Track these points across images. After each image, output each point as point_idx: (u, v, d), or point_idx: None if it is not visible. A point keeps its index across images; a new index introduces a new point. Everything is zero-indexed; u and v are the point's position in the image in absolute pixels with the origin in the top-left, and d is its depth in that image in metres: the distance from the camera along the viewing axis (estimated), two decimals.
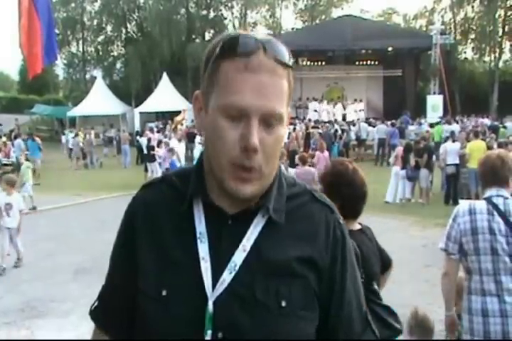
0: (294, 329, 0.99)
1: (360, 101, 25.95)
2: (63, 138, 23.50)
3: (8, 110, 34.33)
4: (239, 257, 0.99)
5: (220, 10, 37.68)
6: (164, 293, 1.00)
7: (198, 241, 1.01)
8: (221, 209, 1.02)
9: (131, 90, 32.62)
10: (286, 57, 0.97)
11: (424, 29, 36.40)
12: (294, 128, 19.80)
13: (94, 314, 1.16)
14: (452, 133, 13.17)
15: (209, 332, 0.96)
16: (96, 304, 1.17)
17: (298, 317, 0.99)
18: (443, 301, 3.30)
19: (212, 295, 0.97)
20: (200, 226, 1.03)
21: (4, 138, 20.54)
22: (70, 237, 7.25)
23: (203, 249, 1.01)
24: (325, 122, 21.95)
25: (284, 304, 0.98)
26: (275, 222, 1.03)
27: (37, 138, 18.37)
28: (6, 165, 17.38)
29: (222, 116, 0.96)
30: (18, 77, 47.00)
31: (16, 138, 18.49)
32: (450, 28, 34.49)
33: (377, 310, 1.88)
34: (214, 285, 0.98)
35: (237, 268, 0.99)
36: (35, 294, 6.20)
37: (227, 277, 0.98)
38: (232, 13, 38.64)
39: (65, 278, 6.79)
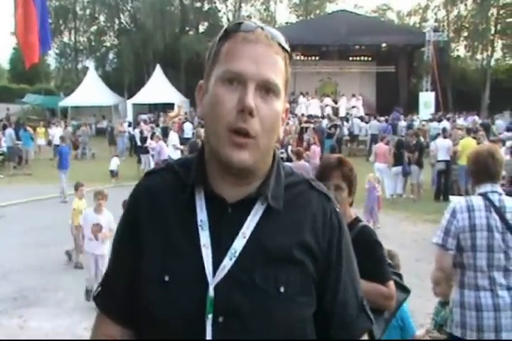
0: (292, 314, 1.02)
1: (353, 96, 25.93)
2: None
3: None
4: (239, 244, 1.02)
5: (215, 2, 37.42)
6: (167, 278, 1.03)
7: (200, 228, 1.04)
8: (221, 197, 1.05)
9: (124, 81, 32.43)
10: (282, 40, 1.04)
11: (418, 26, 36.46)
12: (287, 123, 19.80)
13: (98, 299, 1.18)
14: (444, 129, 13.26)
15: (210, 316, 0.99)
16: (99, 289, 1.18)
17: (296, 302, 1.03)
18: (432, 294, 3.36)
19: (213, 281, 1.00)
20: (202, 214, 1.05)
21: None
22: (63, 227, 7.24)
23: (204, 236, 1.04)
24: (318, 117, 21.95)
25: (282, 289, 1.01)
26: (274, 210, 1.06)
27: (29, 128, 18.22)
28: None
29: (221, 83, 1.01)
30: (8, 66, 46.48)
31: (5, 127, 18.30)
32: (443, 25, 34.51)
33: (395, 278, 2.31)
34: (215, 271, 1.01)
35: (237, 254, 1.02)
36: (27, 283, 6.23)
37: (227, 263, 1.01)
38: (227, 6, 38.44)
39: (57, 268, 6.82)
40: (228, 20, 37.09)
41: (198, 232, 1.04)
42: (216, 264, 1.01)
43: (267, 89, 1.01)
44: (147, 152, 15.31)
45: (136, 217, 1.11)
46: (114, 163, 14.50)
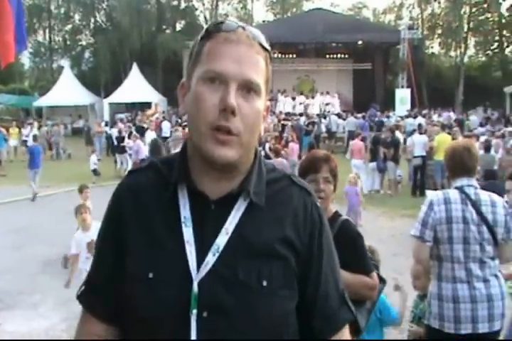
0: (275, 307, 1.04)
1: (327, 93, 26.08)
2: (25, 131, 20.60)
3: None
4: (222, 240, 1.03)
5: (191, 1, 37.30)
6: (151, 275, 1.03)
7: (183, 225, 1.05)
8: (204, 194, 1.06)
9: (100, 80, 32.07)
10: (263, 40, 1.06)
11: (393, 24, 36.95)
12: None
13: (82, 297, 1.17)
14: (419, 126, 13.45)
15: (194, 311, 1.00)
16: (83, 288, 1.18)
17: (278, 296, 1.04)
18: (411, 288, 3.40)
19: (196, 277, 1.01)
20: (185, 211, 1.06)
21: None
22: (39, 229, 7.14)
23: (188, 232, 1.04)
24: (295, 114, 22.03)
25: (265, 284, 1.03)
26: (256, 205, 1.07)
27: (2, 129, 17.91)
28: None
29: (203, 82, 1.02)
30: None
31: None
32: (418, 23, 35.09)
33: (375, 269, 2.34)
34: (199, 267, 1.02)
35: (220, 250, 1.03)
36: (2, 287, 6.10)
37: (210, 259, 1.02)
38: (204, 4, 38.36)
39: (33, 270, 6.70)
40: (205, 18, 37.03)
41: (182, 229, 1.05)
42: (200, 260, 1.02)
43: (248, 88, 1.02)
44: (124, 152, 15.17)
45: (119, 215, 1.11)
46: (93, 162, 14.08)
